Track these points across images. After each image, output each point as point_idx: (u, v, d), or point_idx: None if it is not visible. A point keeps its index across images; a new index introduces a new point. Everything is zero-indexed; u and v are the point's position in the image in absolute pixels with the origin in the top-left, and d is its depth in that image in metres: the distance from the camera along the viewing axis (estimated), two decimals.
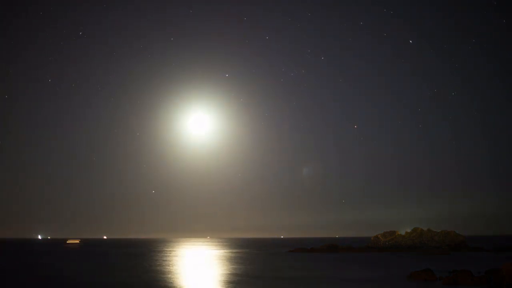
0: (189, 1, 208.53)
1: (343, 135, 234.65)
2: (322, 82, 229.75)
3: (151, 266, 54.14)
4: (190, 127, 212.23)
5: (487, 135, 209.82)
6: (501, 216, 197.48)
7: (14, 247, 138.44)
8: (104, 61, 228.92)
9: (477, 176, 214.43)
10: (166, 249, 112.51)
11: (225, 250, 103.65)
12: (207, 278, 39.80)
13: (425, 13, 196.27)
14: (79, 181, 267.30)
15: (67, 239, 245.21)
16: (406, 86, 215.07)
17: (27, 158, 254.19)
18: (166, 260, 65.03)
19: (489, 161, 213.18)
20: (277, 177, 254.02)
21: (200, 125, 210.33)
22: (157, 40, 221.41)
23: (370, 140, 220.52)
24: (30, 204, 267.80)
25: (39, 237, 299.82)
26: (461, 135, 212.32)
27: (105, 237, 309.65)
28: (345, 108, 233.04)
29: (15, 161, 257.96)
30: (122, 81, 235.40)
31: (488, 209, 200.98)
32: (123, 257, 75.20)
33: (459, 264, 51.99)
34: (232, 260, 65.39)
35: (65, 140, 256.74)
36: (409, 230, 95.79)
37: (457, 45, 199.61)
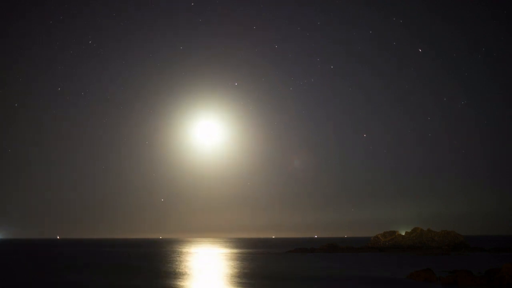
0: (199, 10, 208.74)
1: (352, 144, 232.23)
2: (331, 91, 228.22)
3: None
4: (199, 135, 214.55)
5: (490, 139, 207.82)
6: (502, 216, 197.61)
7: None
8: (114, 69, 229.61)
9: (477, 176, 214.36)
10: (177, 249, 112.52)
11: (235, 250, 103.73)
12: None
13: (434, 22, 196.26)
14: (88, 189, 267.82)
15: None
16: (415, 95, 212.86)
17: (35, 167, 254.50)
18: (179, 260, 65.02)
19: (489, 161, 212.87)
20: (287, 185, 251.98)
21: (209, 134, 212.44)
22: (166, 48, 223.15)
23: (378, 148, 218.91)
24: (49, 210, 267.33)
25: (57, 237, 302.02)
26: (471, 146, 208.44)
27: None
28: (354, 117, 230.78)
29: (23, 168, 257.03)
30: (131, 89, 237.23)
31: (489, 209, 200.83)
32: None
33: (459, 264, 51.97)
34: (237, 259, 65.43)
35: (75, 149, 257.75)
36: (409, 230, 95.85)
37: (467, 54, 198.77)
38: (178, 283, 36.19)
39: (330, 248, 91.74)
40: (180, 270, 47.72)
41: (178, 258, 70.36)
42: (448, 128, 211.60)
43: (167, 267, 51.74)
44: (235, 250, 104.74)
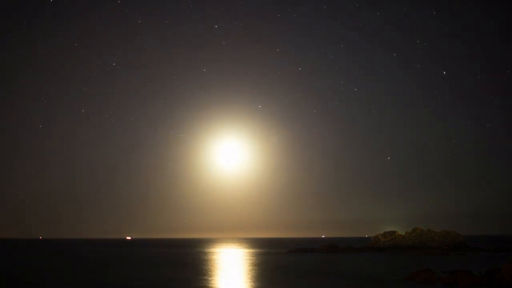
0: (222, 32, 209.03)
1: (377, 167, 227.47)
2: (355, 114, 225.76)
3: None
4: (222, 157, 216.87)
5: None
6: (501, 216, 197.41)
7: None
8: (137, 92, 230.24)
9: (478, 176, 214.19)
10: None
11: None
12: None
13: (457, 44, 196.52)
14: (113, 210, 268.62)
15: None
16: (440, 118, 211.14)
17: (62, 188, 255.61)
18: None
19: (489, 162, 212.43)
20: (309, 208, 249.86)
21: (232, 155, 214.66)
22: (190, 71, 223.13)
23: (403, 171, 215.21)
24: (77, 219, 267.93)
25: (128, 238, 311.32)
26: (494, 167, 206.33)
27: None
28: (378, 140, 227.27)
29: (48, 189, 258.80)
30: (155, 112, 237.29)
31: (489, 208, 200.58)
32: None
33: (459, 264, 51.96)
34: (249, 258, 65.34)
35: (99, 171, 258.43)
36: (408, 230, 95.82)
37: (493, 76, 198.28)
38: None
39: (330, 248, 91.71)
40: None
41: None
42: (477, 151, 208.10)
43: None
44: (252, 250, 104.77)
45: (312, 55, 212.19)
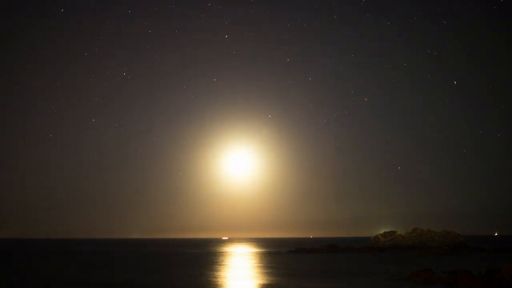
0: (232, 42, 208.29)
1: (387, 176, 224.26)
2: (365, 123, 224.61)
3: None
4: (232, 166, 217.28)
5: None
6: (502, 215, 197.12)
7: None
8: (147, 101, 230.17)
9: (478, 175, 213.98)
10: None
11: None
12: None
13: (468, 54, 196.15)
14: (120, 219, 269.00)
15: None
16: (452, 127, 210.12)
17: (71, 198, 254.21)
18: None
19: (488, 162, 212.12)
20: (318, 218, 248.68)
21: (241, 165, 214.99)
22: (200, 80, 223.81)
23: (415, 182, 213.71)
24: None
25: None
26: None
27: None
28: (389, 150, 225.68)
29: (58, 199, 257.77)
30: (165, 121, 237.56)
31: (489, 208, 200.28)
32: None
33: (459, 264, 52.01)
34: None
35: (108, 179, 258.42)
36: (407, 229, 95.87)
37: (504, 86, 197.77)
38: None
39: (330, 248, 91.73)
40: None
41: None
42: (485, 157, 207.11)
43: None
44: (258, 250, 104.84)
45: (322, 65, 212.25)
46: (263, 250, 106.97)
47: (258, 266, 53.57)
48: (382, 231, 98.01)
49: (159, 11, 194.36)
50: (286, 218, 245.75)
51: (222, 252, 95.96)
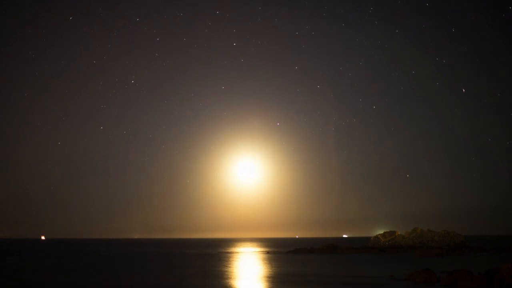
0: (240, 50, 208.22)
1: (396, 184, 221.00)
2: (374, 131, 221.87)
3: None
4: (240, 175, 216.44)
5: None
6: (501, 215, 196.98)
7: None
8: (155, 109, 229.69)
9: (478, 175, 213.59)
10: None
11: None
12: None
13: (476, 62, 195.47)
14: (129, 227, 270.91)
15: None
16: (460, 136, 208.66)
17: (81, 205, 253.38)
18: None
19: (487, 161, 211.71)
20: (327, 224, 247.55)
21: (249, 173, 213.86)
22: (208, 88, 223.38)
23: (422, 189, 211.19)
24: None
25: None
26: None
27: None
28: (398, 157, 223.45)
29: (66, 208, 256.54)
30: (172, 129, 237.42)
31: (490, 208, 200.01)
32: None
33: (459, 264, 51.88)
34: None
35: (116, 187, 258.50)
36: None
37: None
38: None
39: (330, 248, 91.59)
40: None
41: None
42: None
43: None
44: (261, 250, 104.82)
45: (330, 72, 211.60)
46: (262, 249, 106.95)
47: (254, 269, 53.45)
48: (382, 231, 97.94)
49: (167, 19, 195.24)
50: (290, 218, 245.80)
51: (230, 253, 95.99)
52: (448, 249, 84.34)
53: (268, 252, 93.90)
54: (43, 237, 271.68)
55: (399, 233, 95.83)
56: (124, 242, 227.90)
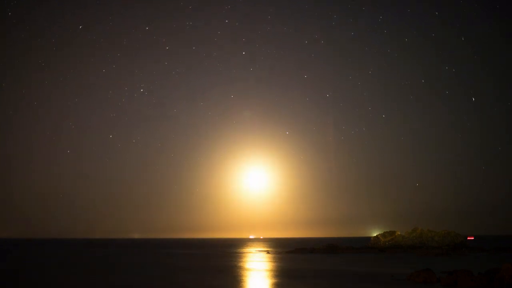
0: (249, 59, 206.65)
1: (406, 193, 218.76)
2: (383, 140, 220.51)
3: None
4: (249, 185, 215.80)
5: None
6: (501, 215, 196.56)
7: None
8: (165, 118, 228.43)
9: (478, 175, 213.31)
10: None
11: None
12: None
13: (487, 70, 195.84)
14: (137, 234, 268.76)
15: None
16: (469, 144, 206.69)
17: (91, 214, 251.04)
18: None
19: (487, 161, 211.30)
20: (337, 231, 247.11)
21: (258, 182, 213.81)
22: (217, 97, 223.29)
23: (434, 199, 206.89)
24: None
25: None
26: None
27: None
28: (407, 166, 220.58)
29: (76, 217, 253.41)
30: (182, 138, 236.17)
31: (489, 208, 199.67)
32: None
33: (459, 264, 51.90)
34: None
35: (126, 197, 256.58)
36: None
37: None
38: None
39: (330, 248, 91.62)
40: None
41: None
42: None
43: None
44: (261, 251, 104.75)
45: (339, 81, 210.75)
46: (262, 249, 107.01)
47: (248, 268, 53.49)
48: (382, 231, 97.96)
49: (177, 28, 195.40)
50: (297, 218, 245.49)
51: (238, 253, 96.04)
52: (448, 249, 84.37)
53: (268, 252, 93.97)
54: None
55: (399, 233, 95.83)
56: (151, 243, 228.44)
